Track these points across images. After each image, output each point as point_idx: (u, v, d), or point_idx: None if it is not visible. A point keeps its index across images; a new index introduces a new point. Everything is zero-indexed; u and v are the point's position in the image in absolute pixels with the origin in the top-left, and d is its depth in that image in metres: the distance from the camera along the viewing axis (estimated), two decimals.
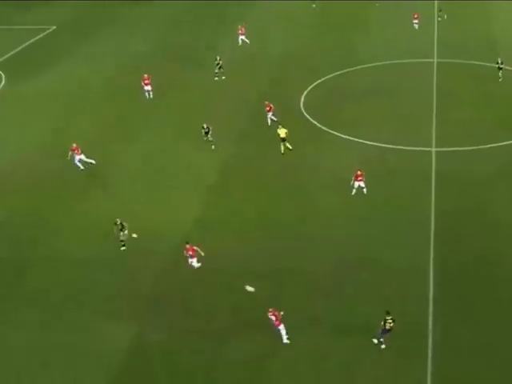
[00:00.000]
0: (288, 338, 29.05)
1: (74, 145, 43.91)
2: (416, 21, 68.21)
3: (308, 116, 50.10)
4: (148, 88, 53.85)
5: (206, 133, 45.24)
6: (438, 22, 69.43)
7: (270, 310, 29.01)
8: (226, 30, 68.85)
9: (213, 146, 45.23)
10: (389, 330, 28.21)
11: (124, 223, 35.28)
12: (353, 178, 39.13)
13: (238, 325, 30.16)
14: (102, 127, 49.60)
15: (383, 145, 45.12)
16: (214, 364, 28.34)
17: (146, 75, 54.08)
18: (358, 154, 43.86)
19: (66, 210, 39.37)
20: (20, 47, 68.74)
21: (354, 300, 31.21)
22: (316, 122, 48.95)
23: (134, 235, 35.14)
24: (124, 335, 29.93)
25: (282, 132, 44.26)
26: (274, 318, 28.88)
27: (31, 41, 70.65)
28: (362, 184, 39.09)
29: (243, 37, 65.26)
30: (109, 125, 50.01)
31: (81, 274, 33.94)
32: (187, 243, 33.57)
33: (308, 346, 28.91)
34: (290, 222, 37.37)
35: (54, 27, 74.98)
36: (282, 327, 28.96)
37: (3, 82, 59.88)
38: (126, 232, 35.22)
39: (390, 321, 28.02)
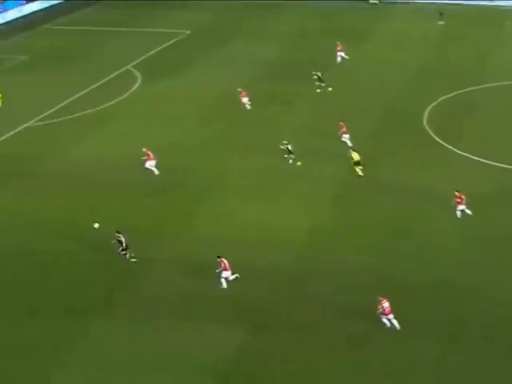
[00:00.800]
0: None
1: (144, 149, 45.25)
2: None
3: (430, 132, 50.23)
4: (245, 100, 55.23)
5: (288, 150, 45.50)
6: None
7: (381, 298, 30.22)
8: (351, 44, 69.94)
9: (290, 161, 45.49)
10: None
11: (122, 238, 35.95)
12: (455, 201, 38.83)
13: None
14: (216, 135, 50.94)
15: (506, 166, 44.71)
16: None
17: (239, 89, 55.66)
18: (476, 174, 43.67)
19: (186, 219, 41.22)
20: (156, 49, 72.15)
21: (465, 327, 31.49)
22: (438, 138, 48.96)
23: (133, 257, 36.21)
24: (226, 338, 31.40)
25: (356, 155, 44.01)
26: (387, 304, 30.01)
27: (166, 44, 74.01)
28: (462, 207, 38.68)
29: (342, 53, 65.64)
30: (223, 133, 51.27)
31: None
32: (219, 257, 33.99)
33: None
34: (393, 237, 37.70)
35: (189, 32, 78.21)
36: (391, 316, 30.21)
37: (139, 81, 63.14)
38: (127, 253, 36.00)
39: None
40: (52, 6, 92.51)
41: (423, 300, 32.40)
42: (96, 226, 37.51)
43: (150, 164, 45.01)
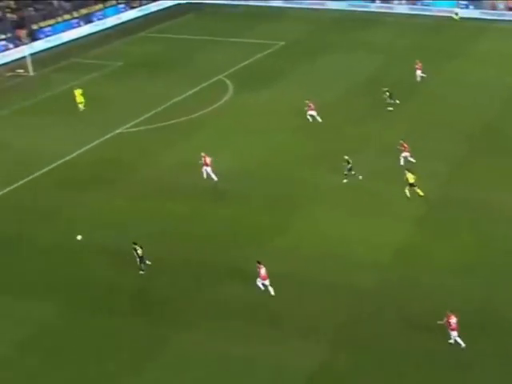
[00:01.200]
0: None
1: (203, 154, 45.57)
2: None
3: None
4: (312, 113, 54.69)
5: (349, 167, 44.74)
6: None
7: (449, 313, 30.21)
8: (444, 62, 69.00)
9: (359, 176, 44.77)
10: None
11: (138, 250, 35.87)
12: None
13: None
14: (305, 147, 50.74)
15: None
16: None
17: (306, 101, 55.06)
18: None
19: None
20: (249, 60, 72.62)
21: None
22: None
23: (148, 262, 36.44)
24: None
25: (411, 177, 42.56)
26: (455, 320, 30.10)
27: (259, 55, 74.41)
28: None
29: (420, 71, 64.02)
30: (312, 146, 50.94)
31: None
32: (258, 262, 34.13)
33: None
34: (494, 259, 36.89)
35: (283, 43, 78.46)
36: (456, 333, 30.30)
37: (230, 92, 63.70)
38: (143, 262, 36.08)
39: None
40: (150, 13, 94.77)
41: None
42: (79, 238, 37.86)
43: (206, 169, 45.56)
